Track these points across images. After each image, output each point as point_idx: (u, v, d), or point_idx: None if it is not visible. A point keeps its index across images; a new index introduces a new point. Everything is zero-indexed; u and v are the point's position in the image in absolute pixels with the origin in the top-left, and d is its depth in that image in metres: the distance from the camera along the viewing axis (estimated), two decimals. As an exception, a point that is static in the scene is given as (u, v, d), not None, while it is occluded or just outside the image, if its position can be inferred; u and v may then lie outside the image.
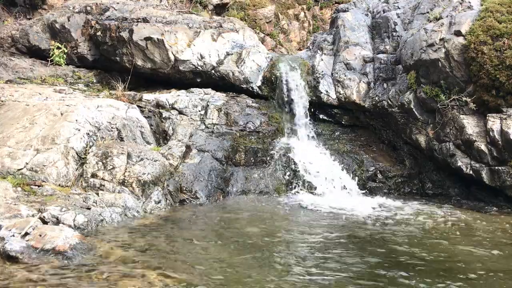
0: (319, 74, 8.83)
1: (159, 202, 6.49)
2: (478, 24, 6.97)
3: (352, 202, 7.21)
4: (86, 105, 7.20)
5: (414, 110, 7.77)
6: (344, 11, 9.76)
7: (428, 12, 8.21)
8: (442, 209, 6.97)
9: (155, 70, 9.01)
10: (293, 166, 7.85)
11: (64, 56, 9.46)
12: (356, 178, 7.88)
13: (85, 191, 6.15)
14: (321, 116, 8.92)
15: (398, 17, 8.92)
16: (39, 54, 9.54)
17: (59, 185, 6.18)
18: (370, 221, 6.22)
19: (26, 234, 4.55)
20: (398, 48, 8.41)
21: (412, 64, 7.68)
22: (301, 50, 12.50)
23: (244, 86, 8.94)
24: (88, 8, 9.67)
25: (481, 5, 7.36)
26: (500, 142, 6.82)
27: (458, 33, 7.13)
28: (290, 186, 7.74)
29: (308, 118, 8.64)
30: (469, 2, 7.53)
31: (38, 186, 5.97)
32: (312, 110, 8.74)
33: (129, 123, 7.35)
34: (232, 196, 7.33)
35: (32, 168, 6.20)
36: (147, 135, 7.52)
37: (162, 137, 7.86)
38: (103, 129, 6.99)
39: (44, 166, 6.23)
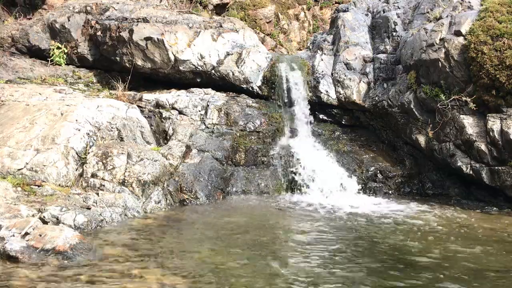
0: (319, 74, 8.83)
1: (159, 202, 6.50)
2: (478, 24, 6.97)
3: (352, 202, 7.21)
4: (86, 105, 7.20)
5: (414, 110, 7.77)
6: (344, 11, 9.76)
7: (428, 12, 8.21)
8: (442, 209, 6.97)
9: (155, 70, 9.01)
10: (293, 166, 7.86)
11: (64, 56, 9.47)
12: (356, 178, 7.88)
13: (85, 191, 6.15)
14: (321, 116, 8.91)
15: (398, 17, 8.92)
16: (39, 54, 9.55)
17: (59, 185, 6.19)
18: (369, 222, 6.22)
19: (26, 234, 4.55)
20: (398, 48, 8.42)
21: (412, 64, 7.69)
22: (301, 50, 12.49)
23: (244, 86, 8.94)
24: (88, 8, 9.68)
25: (481, 5, 7.36)
26: (500, 142, 6.83)
27: (458, 33, 7.13)
28: (290, 186, 7.75)
29: (308, 118, 8.64)
30: (469, 2, 7.53)
31: (38, 186, 5.98)
32: (312, 110, 8.74)
33: (129, 123, 7.36)
34: (232, 196, 7.34)
35: (32, 168, 6.20)
36: (147, 135, 7.52)
37: (162, 137, 7.86)
38: (103, 129, 6.99)
39: (44, 166, 6.24)
